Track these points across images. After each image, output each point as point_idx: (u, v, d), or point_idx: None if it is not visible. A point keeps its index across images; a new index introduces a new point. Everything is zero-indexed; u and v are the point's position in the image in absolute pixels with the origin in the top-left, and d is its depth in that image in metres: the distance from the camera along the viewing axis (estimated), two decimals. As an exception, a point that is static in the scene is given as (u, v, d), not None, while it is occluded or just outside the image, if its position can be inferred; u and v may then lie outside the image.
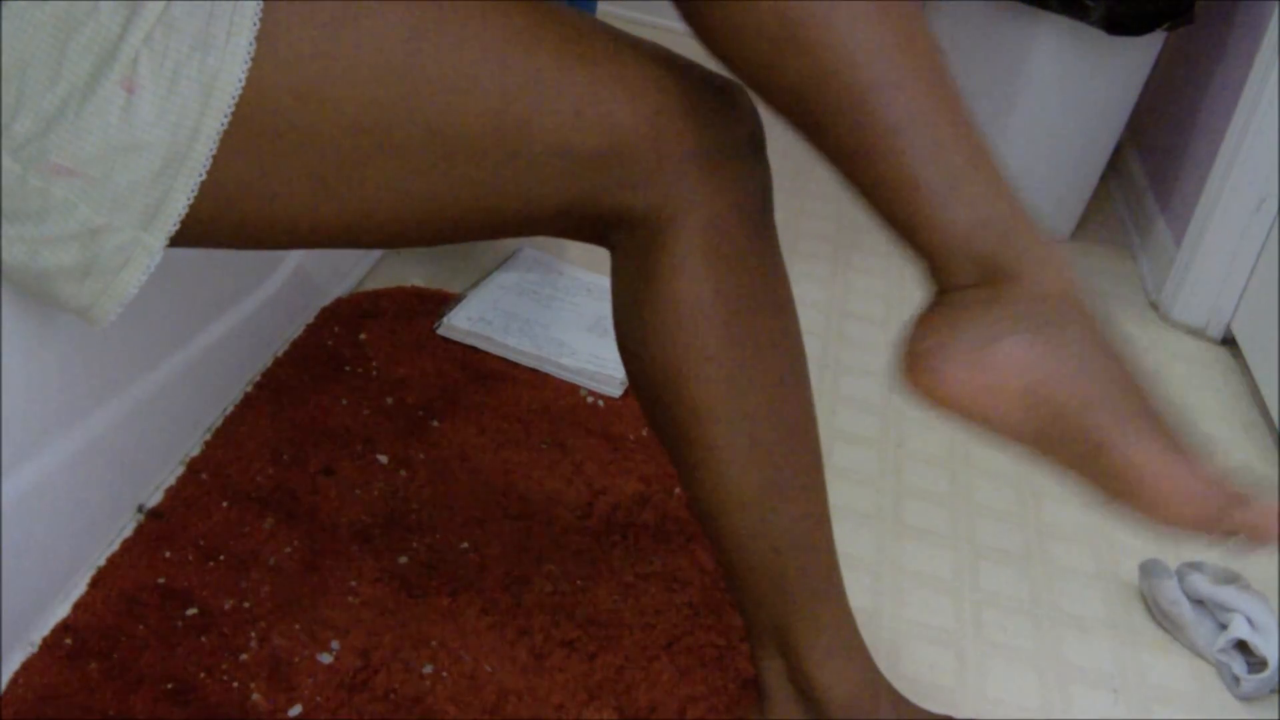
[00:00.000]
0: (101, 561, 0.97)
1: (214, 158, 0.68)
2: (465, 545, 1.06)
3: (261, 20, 0.67)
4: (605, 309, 1.42)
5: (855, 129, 0.65)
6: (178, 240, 0.73)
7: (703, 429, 0.79)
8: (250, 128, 0.69)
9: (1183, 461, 0.64)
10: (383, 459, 1.14)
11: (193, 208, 0.70)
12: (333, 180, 0.72)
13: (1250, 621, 1.12)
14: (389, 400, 1.21)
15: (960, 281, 0.66)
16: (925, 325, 0.67)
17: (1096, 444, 0.64)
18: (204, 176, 0.68)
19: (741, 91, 0.79)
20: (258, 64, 0.67)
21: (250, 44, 0.67)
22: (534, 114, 0.72)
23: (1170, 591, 1.15)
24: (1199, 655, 1.14)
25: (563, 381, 1.29)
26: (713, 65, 0.89)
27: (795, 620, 0.85)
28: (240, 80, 0.67)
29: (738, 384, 0.78)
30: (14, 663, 0.88)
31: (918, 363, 0.66)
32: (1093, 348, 0.66)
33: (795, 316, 0.82)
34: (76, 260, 0.70)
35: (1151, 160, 2.00)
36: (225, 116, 0.67)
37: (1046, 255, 0.66)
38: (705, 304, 0.77)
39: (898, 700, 0.90)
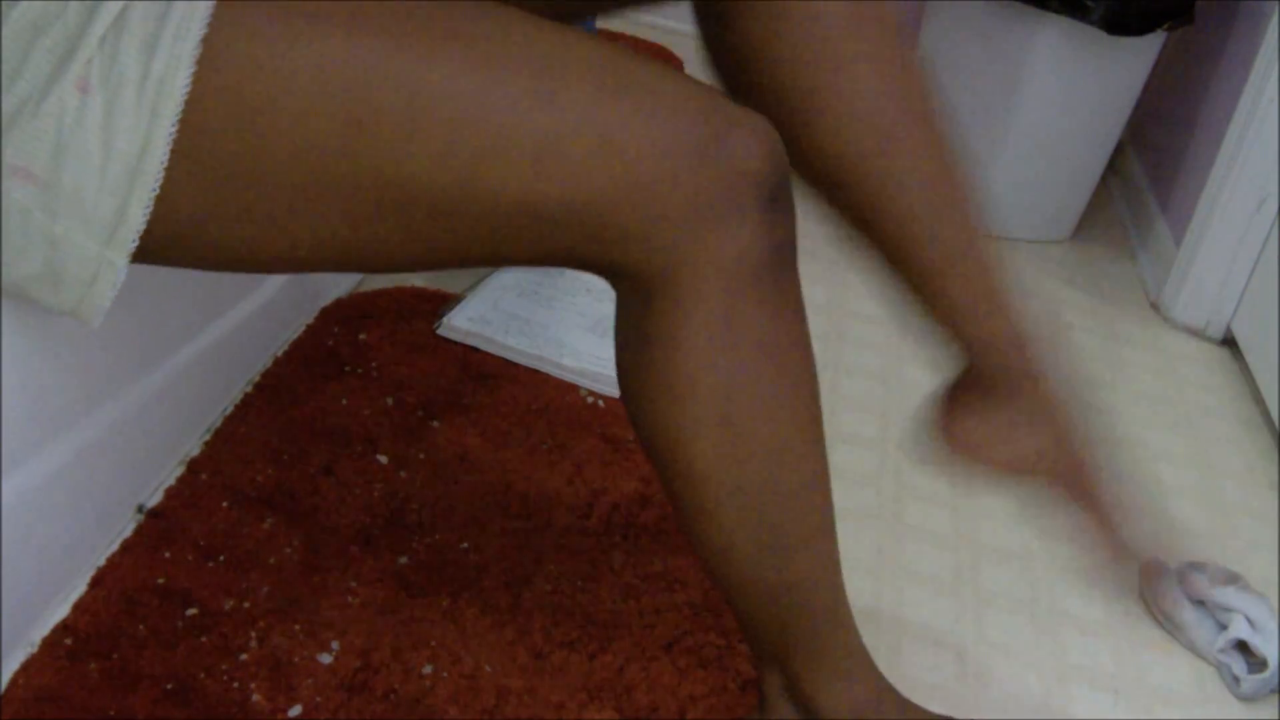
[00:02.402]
0: (101, 561, 0.97)
1: (165, 182, 0.67)
2: (465, 545, 1.06)
3: (210, 29, 0.64)
4: (605, 309, 1.42)
5: (906, 261, 0.85)
6: (144, 260, 0.72)
7: (696, 492, 0.78)
8: (198, 150, 0.67)
9: (1117, 512, 0.89)
10: (383, 459, 1.14)
11: (151, 233, 0.69)
12: (281, 217, 0.68)
13: (1250, 621, 1.12)
14: (389, 400, 1.21)
15: (986, 373, 0.88)
16: (960, 404, 0.91)
17: (1067, 497, 0.90)
18: (157, 190, 0.67)
19: (756, 130, 0.70)
20: (201, 76, 0.64)
21: (195, 48, 0.64)
22: (484, 160, 0.66)
23: (1170, 591, 1.15)
24: (1199, 655, 1.14)
25: (563, 381, 1.29)
26: (730, 92, 0.86)
27: (795, 652, 0.85)
28: (185, 86, 0.64)
29: (734, 456, 0.76)
30: (14, 663, 0.88)
31: (959, 436, 0.91)
32: (1069, 436, 0.88)
33: (809, 375, 0.78)
34: (42, 270, 0.69)
35: (1151, 160, 2.00)
36: (173, 125, 0.65)
37: (1045, 367, 0.87)
38: (702, 378, 0.74)
39: (903, 705, 0.90)
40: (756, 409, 0.76)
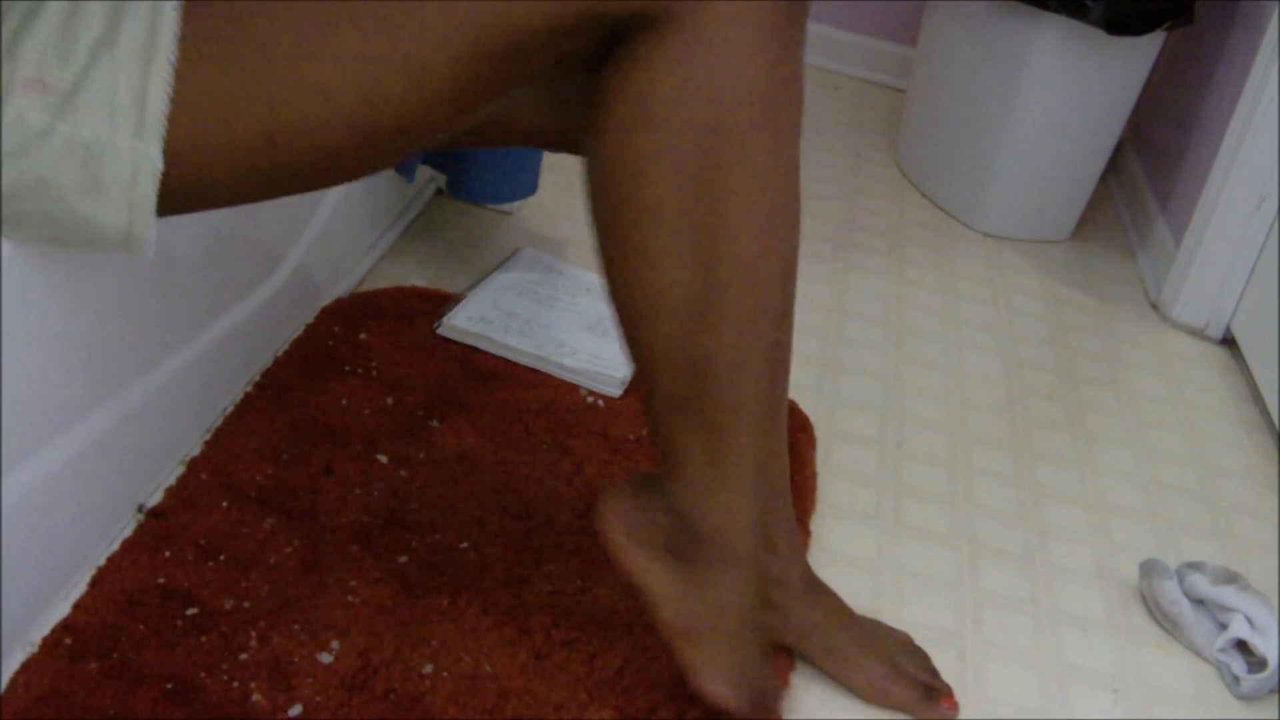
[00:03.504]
0: (101, 561, 0.97)
1: (181, 64, 0.67)
2: (465, 545, 1.06)
3: None
4: (606, 309, 1.42)
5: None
6: (181, 192, 0.72)
7: (645, 229, 0.75)
8: (205, 21, 0.68)
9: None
10: (383, 459, 1.14)
11: (178, 135, 0.69)
12: (300, 75, 0.69)
13: (1250, 621, 1.12)
14: (389, 400, 1.21)
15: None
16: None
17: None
18: (173, 65, 0.67)
19: None
20: None
21: None
22: None
23: (1170, 591, 1.15)
24: (1199, 655, 1.14)
25: (563, 381, 1.29)
26: None
27: (694, 449, 0.82)
28: None
29: (697, 194, 0.74)
30: (14, 663, 0.88)
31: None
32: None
33: (794, 137, 0.76)
34: (81, 178, 0.70)
35: (1151, 160, 2.00)
36: None
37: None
38: (686, 106, 0.72)
39: (809, 580, 0.92)
40: (734, 150, 0.74)
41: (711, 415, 0.81)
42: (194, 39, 0.68)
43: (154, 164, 0.70)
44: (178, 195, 0.74)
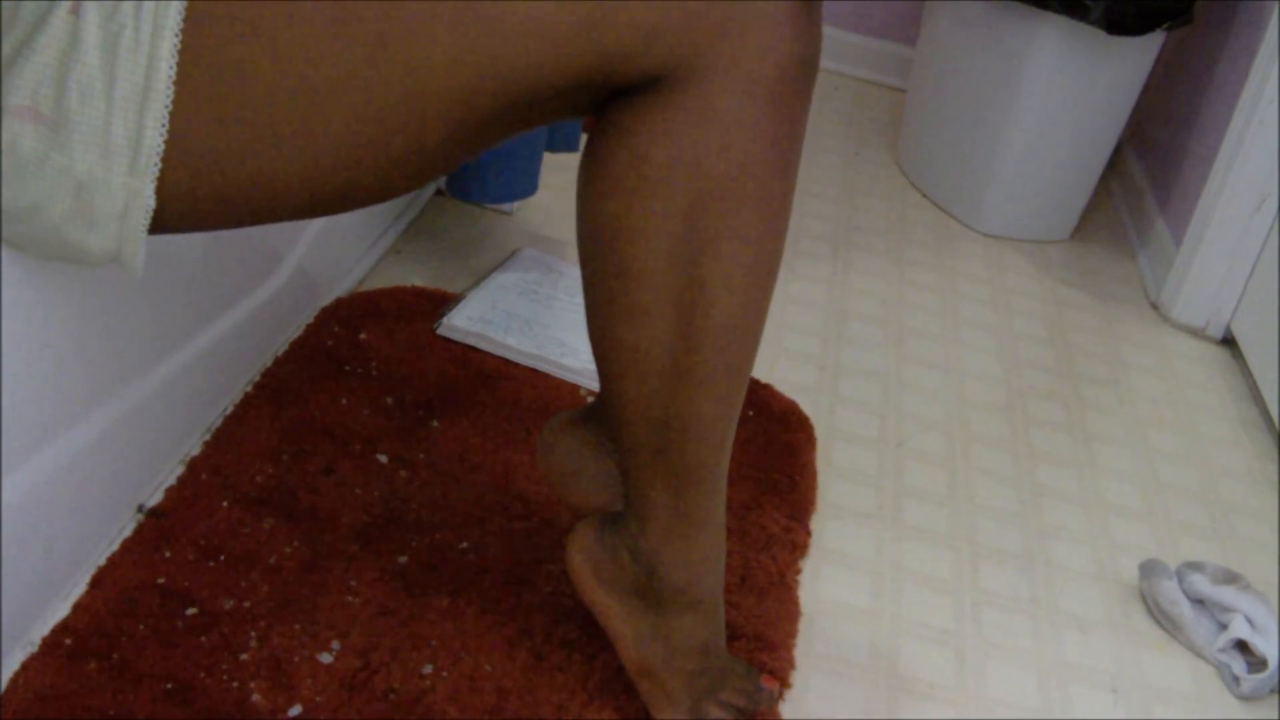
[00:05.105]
0: (101, 561, 0.97)
1: (177, 105, 0.67)
2: (465, 545, 1.06)
3: None
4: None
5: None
6: (173, 221, 0.72)
7: (632, 291, 0.76)
8: (204, 64, 0.67)
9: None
10: (383, 459, 1.14)
11: (171, 170, 0.69)
12: (298, 122, 0.69)
13: (1250, 621, 1.12)
14: (389, 400, 1.21)
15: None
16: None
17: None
18: (169, 106, 0.67)
19: None
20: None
21: None
22: None
23: (1170, 591, 1.15)
24: (1199, 655, 1.14)
25: (563, 381, 1.29)
26: None
27: (659, 502, 0.84)
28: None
29: (685, 259, 0.74)
30: (14, 663, 0.88)
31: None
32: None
33: (784, 213, 0.77)
34: (74, 208, 0.70)
35: (1151, 160, 2.00)
36: (176, 36, 0.66)
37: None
38: (682, 172, 0.72)
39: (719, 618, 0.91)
40: (725, 221, 0.74)
41: (681, 470, 0.83)
42: (192, 87, 0.67)
43: (147, 201, 0.70)
44: (168, 225, 0.74)
